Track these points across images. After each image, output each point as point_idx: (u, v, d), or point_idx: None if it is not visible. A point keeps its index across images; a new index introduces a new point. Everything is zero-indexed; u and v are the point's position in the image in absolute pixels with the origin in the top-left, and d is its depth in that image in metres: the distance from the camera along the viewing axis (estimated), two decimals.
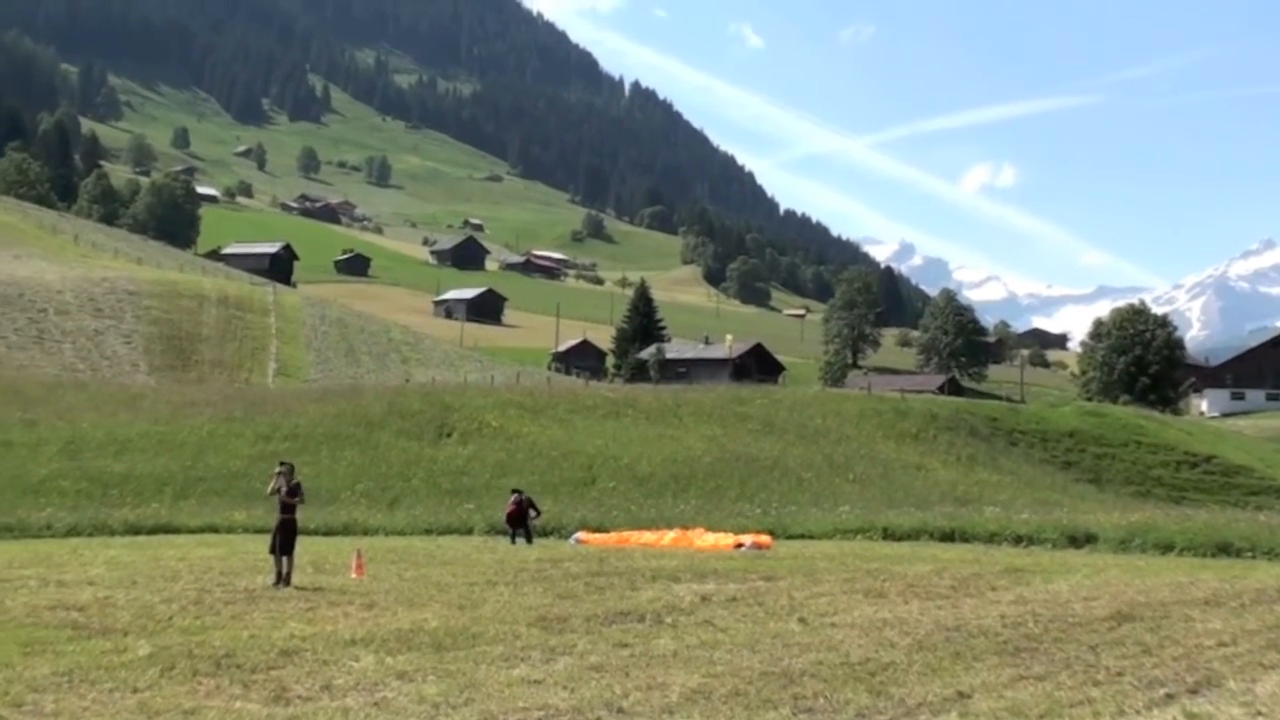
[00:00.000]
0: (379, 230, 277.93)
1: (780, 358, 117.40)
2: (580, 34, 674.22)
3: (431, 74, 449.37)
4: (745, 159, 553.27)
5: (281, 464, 17.52)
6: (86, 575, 17.18)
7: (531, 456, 42.08)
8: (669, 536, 25.76)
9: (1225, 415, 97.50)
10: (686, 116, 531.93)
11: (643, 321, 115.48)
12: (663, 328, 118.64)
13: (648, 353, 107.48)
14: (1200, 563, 22.04)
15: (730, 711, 8.69)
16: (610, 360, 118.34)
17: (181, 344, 72.20)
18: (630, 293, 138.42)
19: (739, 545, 23.72)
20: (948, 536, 27.67)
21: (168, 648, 10.91)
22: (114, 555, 20.91)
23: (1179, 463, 52.08)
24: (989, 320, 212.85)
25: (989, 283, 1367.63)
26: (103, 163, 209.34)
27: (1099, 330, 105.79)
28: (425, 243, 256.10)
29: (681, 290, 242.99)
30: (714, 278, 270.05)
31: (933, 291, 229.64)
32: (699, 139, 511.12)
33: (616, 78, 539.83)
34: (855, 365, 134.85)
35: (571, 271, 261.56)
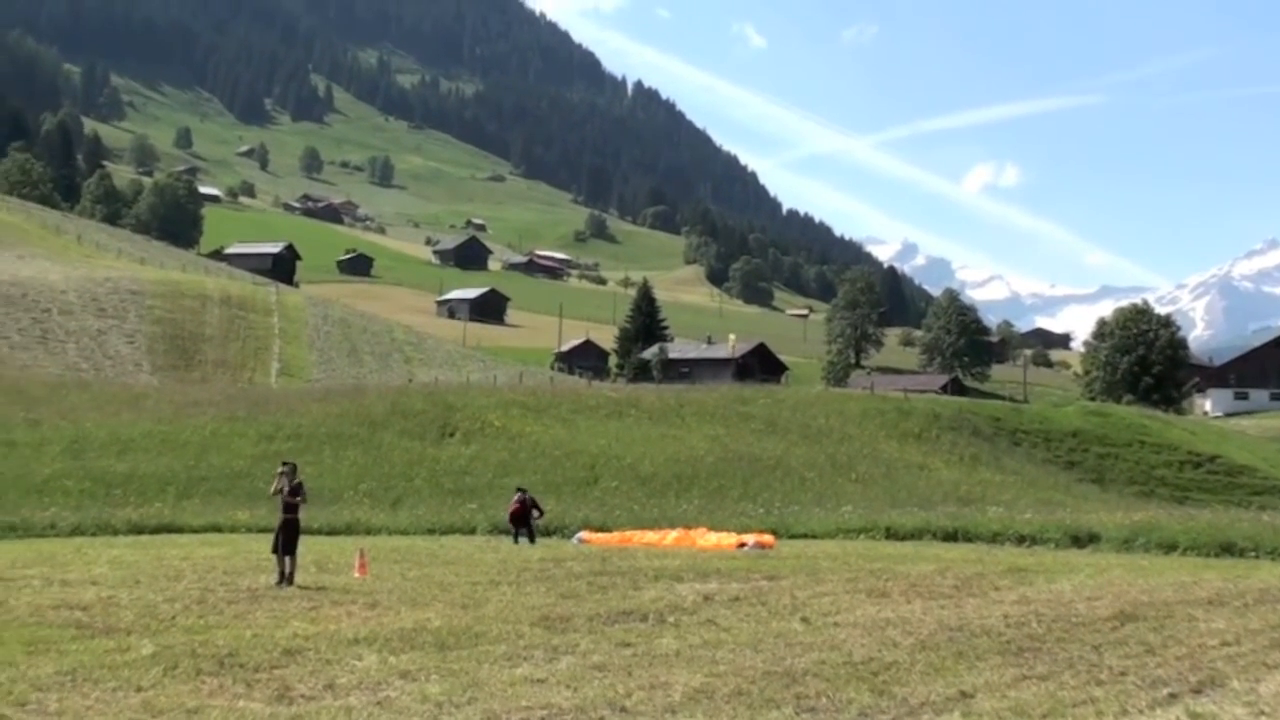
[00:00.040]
0: (381, 230, 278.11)
1: (783, 358, 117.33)
2: (583, 34, 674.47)
3: (434, 74, 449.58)
4: (748, 159, 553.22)
5: (284, 464, 17.54)
6: (90, 575, 17.21)
7: (534, 456, 42.09)
8: (672, 536, 25.75)
9: (1229, 415, 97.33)
10: (689, 116, 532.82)
11: (645, 321, 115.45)
12: (665, 328, 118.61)
13: (650, 353, 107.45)
14: (1204, 563, 22.00)
15: (733, 711, 8.69)
16: (613, 360, 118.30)
17: (184, 344, 72.27)
18: (633, 293, 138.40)
19: (742, 545, 23.70)
20: (951, 536, 27.64)
21: (171, 647, 10.93)
22: (117, 555, 20.94)
23: (1182, 463, 52.01)
24: (992, 320, 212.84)
25: (992, 282, 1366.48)
26: (105, 163, 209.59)
27: (1102, 330, 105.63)
28: (428, 243, 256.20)
29: (684, 290, 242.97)
30: (717, 278, 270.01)
31: (936, 291, 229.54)
32: (702, 139, 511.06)
33: (619, 77, 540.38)
34: (858, 365, 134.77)
35: (574, 271, 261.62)
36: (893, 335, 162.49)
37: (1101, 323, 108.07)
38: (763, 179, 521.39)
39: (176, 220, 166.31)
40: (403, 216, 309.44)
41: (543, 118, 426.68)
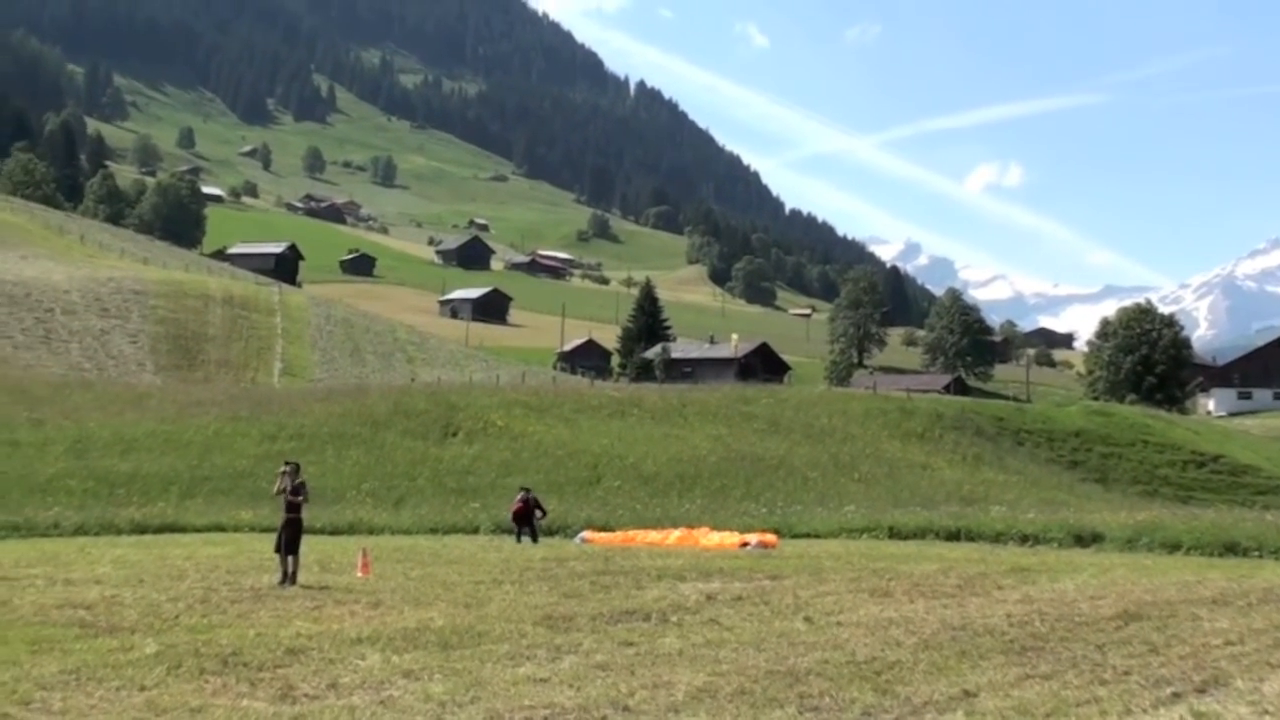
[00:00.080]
0: (384, 230, 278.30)
1: (786, 357, 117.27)
2: (585, 34, 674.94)
3: (437, 74, 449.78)
4: (751, 158, 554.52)
5: (286, 463, 17.56)
6: (93, 574, 17.23)
7: (537, 456, 42.09)
8: (674, 536, 25.74)
9: (1232, 415, 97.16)
10: (692, 116, 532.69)
11: (648, 321, 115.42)
12: (668, 327, 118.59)
13: (653, 352, 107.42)
14: (1207, 562, 21.98)
15: (736, 710, 8.68)
16: (615, 360, 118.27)
17: (187, 344, 72.35)
18: (635, 292, 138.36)
19: (744, 544, 23.70)
20: (954, 536, 27.63)
21: (174, 646, 10.94)
22: (121, 554, 20.96)
23: (1186, 462, 51.93)
24: (995, 320, 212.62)
25: (995, 282, 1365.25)
26: (108, 163, 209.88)
27: (1105, 330, 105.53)
28: (430, 243, 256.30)
29: (687, 290, 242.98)
30: (719, 277, 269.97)
31: (938, 291, 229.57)
32: (704, 139, 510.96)
33: (622, 77, 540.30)
34: (861, 365, 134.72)
35: (577, 271, 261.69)
36: (895, 335, 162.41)
37: (1105, 322, 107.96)
38: (765, 179, 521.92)
39: (179, 220, 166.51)
40: (405, 216, 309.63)
41: (545, 118, 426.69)
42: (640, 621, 12.92)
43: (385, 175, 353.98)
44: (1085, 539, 26.06)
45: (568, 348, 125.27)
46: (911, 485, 40.27)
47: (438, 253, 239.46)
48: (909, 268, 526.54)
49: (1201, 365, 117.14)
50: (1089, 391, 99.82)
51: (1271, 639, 11.98)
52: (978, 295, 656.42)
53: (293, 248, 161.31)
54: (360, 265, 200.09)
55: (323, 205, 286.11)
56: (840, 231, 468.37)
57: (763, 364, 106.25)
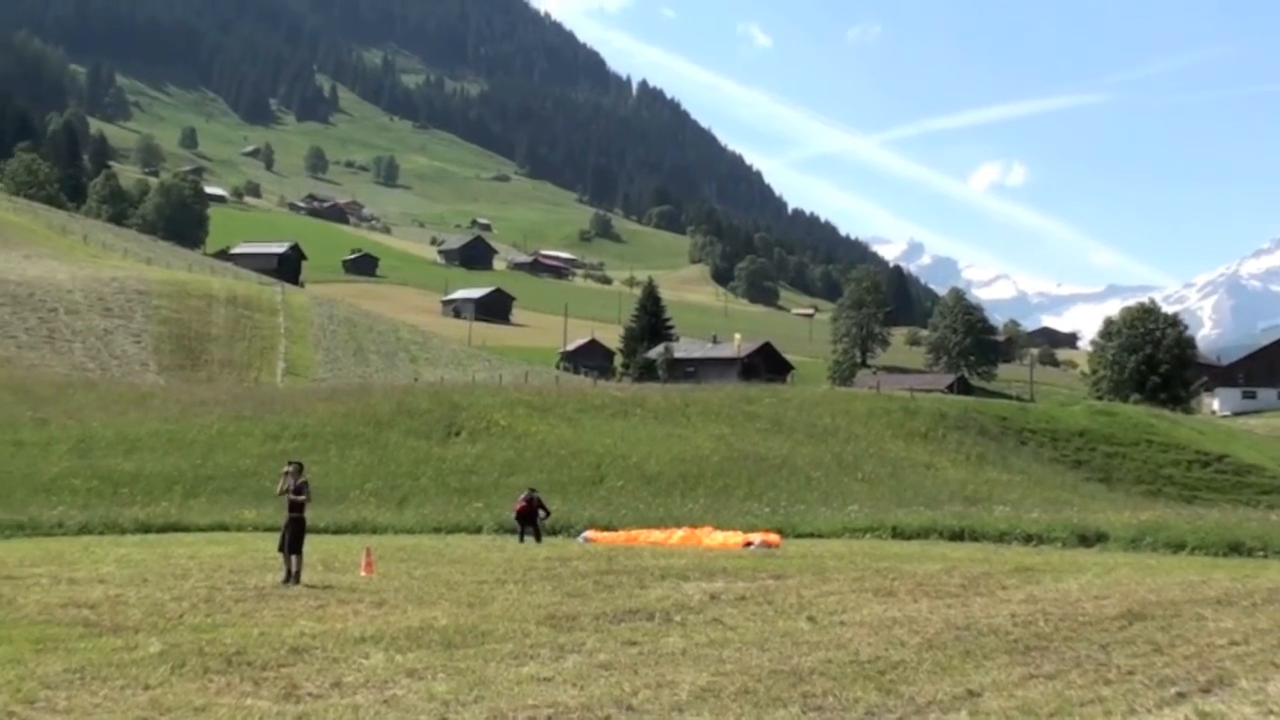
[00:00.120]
0: (387, 230, 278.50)
1: (789, 357, 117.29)
2: (588, 33, 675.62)
3: (439, 74, 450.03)
4: (753, 158, 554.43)
5: (290, 463, 17.57)
6: (97, 573, 17.25)
7: (540, 455, 42.10)
8: (677, 535, 25.74)
9: (1237, 414, 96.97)
10: (694, 116, 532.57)
11: (651, 321, 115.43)
12: (671, 327, 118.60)
13: (656, 352, 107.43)
14: (1212, 562, 21.95)
15: (739, 709, 8.68)
16: (618, 359, 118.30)
17: (191, 343, 72.44)
18: (638, 292, 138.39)
19: (748, 544, 23.68)
20: (957, 535, 27.60)
21: (178, 645, 10.95)
22: (125, 553, 20.98)
23: (1190, 462, 51.85)
24: (998, 319, 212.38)
25: (998, 281, 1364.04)
26: (111, 163, 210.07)
27: (1109, 329, 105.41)
28: (433, 242, 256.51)
29: (689, 290, 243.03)
30: (722, 277, 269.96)
31: (942, 290, 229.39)
32: (707, 138, 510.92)
33: (624, 77, 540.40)
34: (864, 364, 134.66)
35: (579, 271, 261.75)
36: (899, 334, 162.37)
37: (1108, 322, 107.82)
38: (768, 178, 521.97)
39: (182, 220, 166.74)
40: (408, 216, 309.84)
41: (547, 117, 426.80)
42: (644, 621, 12.92)
43: (388, 175, 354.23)
44: (1089, 539, 26.03)
45: (570, 347, 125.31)
46: (915, 485, 40.24)
47: (440, 253, 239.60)
48: (912, 267, 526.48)
49: (1206, 365, 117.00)
50: (1093, 391, 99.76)
51: (1276, 639, 11.96)
52: (981, 295, 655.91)
53: (295, 248, 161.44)
54: (363, 265, 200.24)
55: (325, 205, 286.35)
56: (843, 231, 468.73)
57: (766, 364, 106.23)
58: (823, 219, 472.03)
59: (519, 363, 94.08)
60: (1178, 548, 24.43)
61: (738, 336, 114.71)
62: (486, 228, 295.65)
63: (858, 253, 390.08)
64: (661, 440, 44.79)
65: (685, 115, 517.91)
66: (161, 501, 33.28)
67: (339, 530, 29.29)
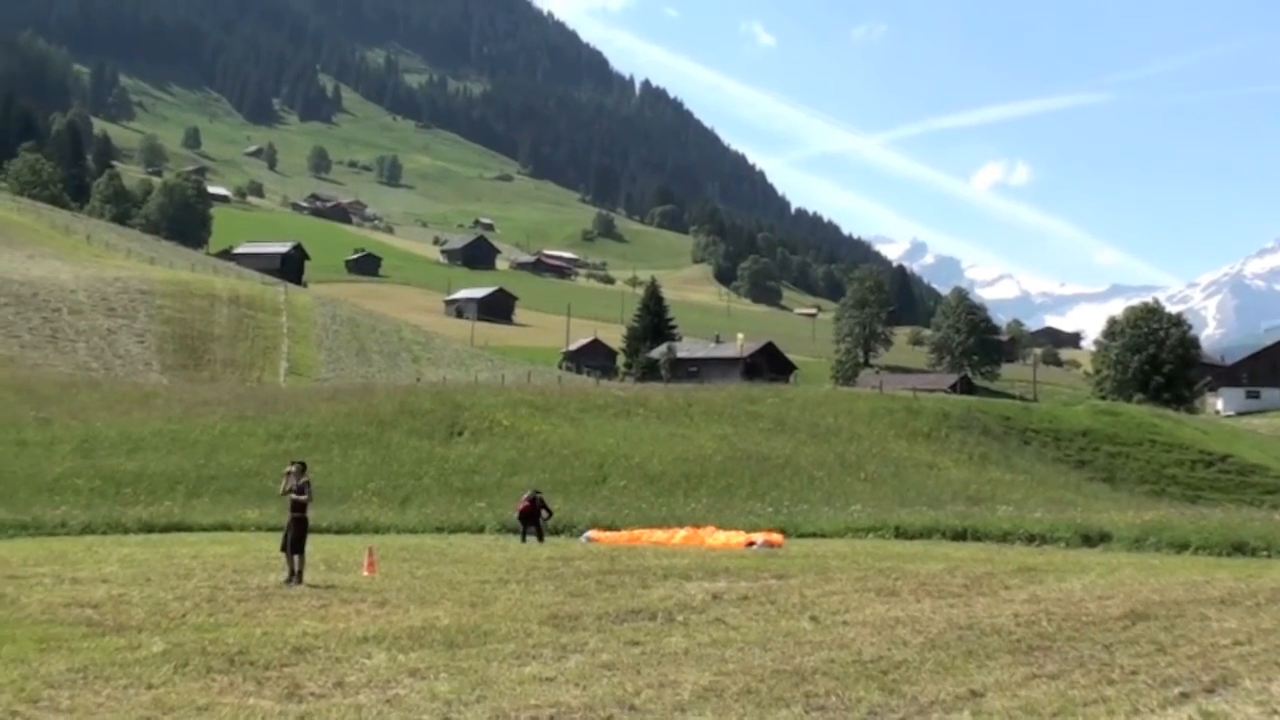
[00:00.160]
0: (389, 230, 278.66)
1: (792, 357, 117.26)
2: (590, 33, 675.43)
3: (442, 74, 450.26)
4: (756, 158, 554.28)
5: (293, 463, 17.59)
6: (100, 573, 17.27)
7: (542, 455, 42.10)
8: (680, 535, 25.73)
9: (1241, 414, 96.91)
10: (697, 115, 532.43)
11: (653, 321, 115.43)
12: (673, 327, 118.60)
13: (658, 352, 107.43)
14: (1215, 562, 21.91)
15: (742, 709, 8.67)
16: (621, 359, 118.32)
17: (194, 343, 72.53)
18: (641, 292, 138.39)
19: (750, 544, 23.67)
20: (960, 535, 27.57)
21: (181, 645, 10.96)
22: (128, 553, 21.00)
23: (1194, 462, 51.74)
24: (1002, 319, 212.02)
25: (1001, 281, 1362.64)
26: (115, 163, 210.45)
27: (1113, 329, 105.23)
28: (436, 242, 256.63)
29: (692, 289, 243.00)
30: (725, 277, 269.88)
31: (945, 290, 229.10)
32: (710, 138, 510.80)
33: (627, 77, 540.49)
34: (867, 364, 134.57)
35: (582, 271, 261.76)
36: (901, 334, 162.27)
37: (1112, 321, 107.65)
38: (771, 178, 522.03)
39: (185, 220, 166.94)
40: (410, 216, 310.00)
41: (550, 117, 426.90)
42: (646, 621, 12.91)
43: (390, 175, 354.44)
44: (1092, 538, 25.99)
45: (573, 347, 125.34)
46: (918, 485, 40.20)
47: (443, 252, 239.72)
48: (915, 267, 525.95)
49: (1209, 364, 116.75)
50: (1096, 391, 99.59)
51: None
52: (984, 294, 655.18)
53: (298, 247, 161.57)
54: (366, 265, 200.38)
55: (328, 205, 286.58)
56: (846, 230, 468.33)
57: (768, 363, 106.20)
58: (826, 218, 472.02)
59: (521, 362, 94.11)
60: (1181, 548, 24.39)
61: (740, 336, 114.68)
62: (489, 227, 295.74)
63: (861, 252, 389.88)
64: (664, 440, 44.78)
65: (688, 115, 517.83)
66: (164, 501, 33.31)
67: (341, 530, 29.30)
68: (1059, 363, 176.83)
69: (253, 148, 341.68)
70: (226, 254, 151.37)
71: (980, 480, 41.89)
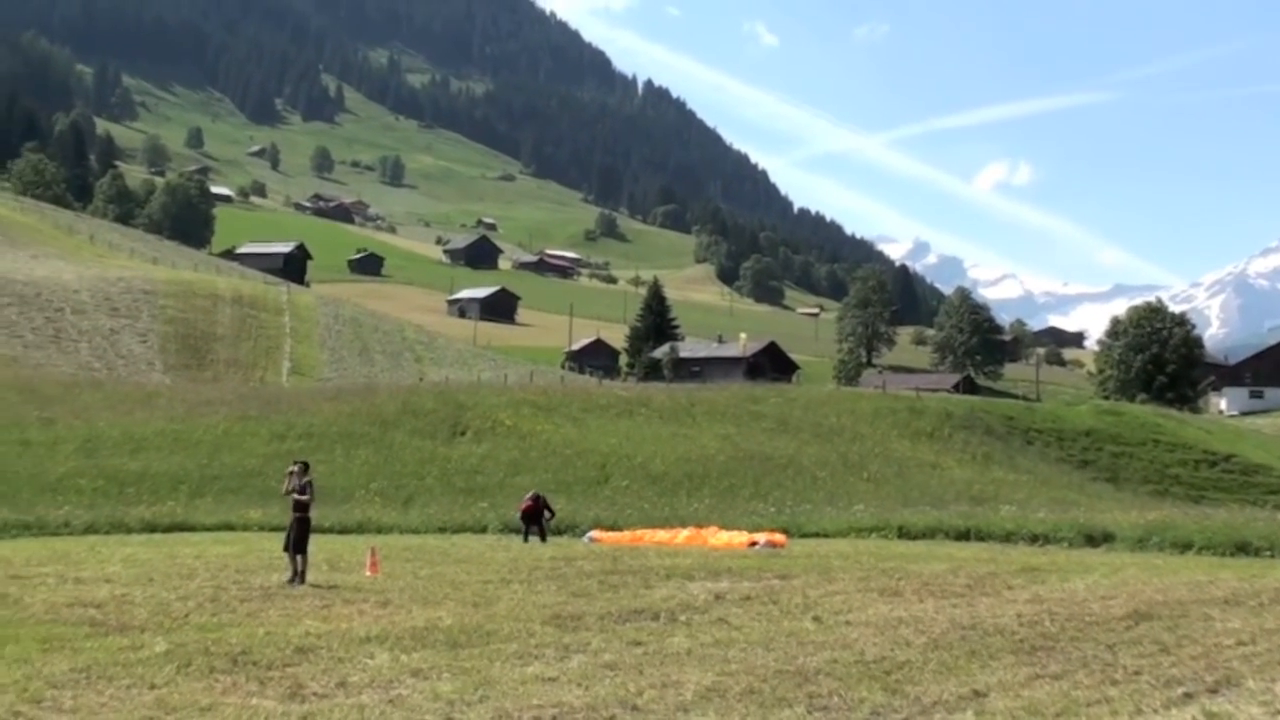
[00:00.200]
0: (392, 230, 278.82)
1: (794, 356, 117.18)
2: (593, 33, 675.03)
3: (444, 73, 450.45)
4: (759, 157, 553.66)
5: (295, 463, 17.61)
6: (104, 573, 17.29)
7: (545, 455, 42.11)
8: (683, 535, 25.72)
9: (1244, 414, 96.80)
10: (700, 115, 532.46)
11: (656, 320, 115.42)
12: (676, 326, 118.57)
13: (661, 351, 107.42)
14: (1219, 562, 21.87)
15: (745, 709, 8.66)
16: (623, 359, 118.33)
17: (197, 343, 72.61)
18: (643, 292, 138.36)
19: (753, 544, 23.66)
20: (963, 535, 27.54)
21: (184, 645, 10.97)
22: (131, 553, 21.03)
23: (1197, 461, 51.67)
24: (1004, 318, 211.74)
25: (1004, 281, 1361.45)
26: (118, 163, 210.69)
27: (1116, 328, 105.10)
28: (438, 242, 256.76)
29: (695, 289, 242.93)
30: (727, 276, 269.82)
31: (948, 290, 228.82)
32: (712, 137, 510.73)
33: (629, 76, 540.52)
34: (870, 364, 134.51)
35: (584, 270, 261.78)
36: (904, 334, 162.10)
37: (1115, 321, 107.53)
38: (773, 177, 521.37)
39: (188, 220, 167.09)
40: (413, 216, 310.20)
41: (553, 117, 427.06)
42: (649, 621, 12.91)
43: (393, 175, 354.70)
44: (1096, 538, 25.95)
45: (576, 347, 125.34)
46: (921, 484, 40.17)
47: (445, 252, 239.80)
48: (918, 266, 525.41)
49: (1213, 364, 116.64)
50: (1099, 391, 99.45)
51: None
52: (987, 294, 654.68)
53: (301, 247, 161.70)
54: (368, 265, 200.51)
55: (331, 205, 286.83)
56: (849, 230, 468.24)
57: (771, 363, 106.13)
58: (828, 218, 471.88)
59: (524, 362, 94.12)
60: (1185, 548, 24.35)
61: (743, 336, 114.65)
62: (492, 227, 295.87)
63: (863, 252, 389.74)
64: (667, 440, 44.78)
65: (691, 114, 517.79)
66: (167, 501, 33.35)
67: (344, 530, 29.32)
68: (1062, 362, 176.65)
69: (255, 148, 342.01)
70: (229, 254, 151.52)
71: (983, 480, 41.86)
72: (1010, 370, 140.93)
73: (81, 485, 35.12)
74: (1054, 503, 35.58)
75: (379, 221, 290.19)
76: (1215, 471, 51.01)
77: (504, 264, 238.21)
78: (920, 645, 11.28)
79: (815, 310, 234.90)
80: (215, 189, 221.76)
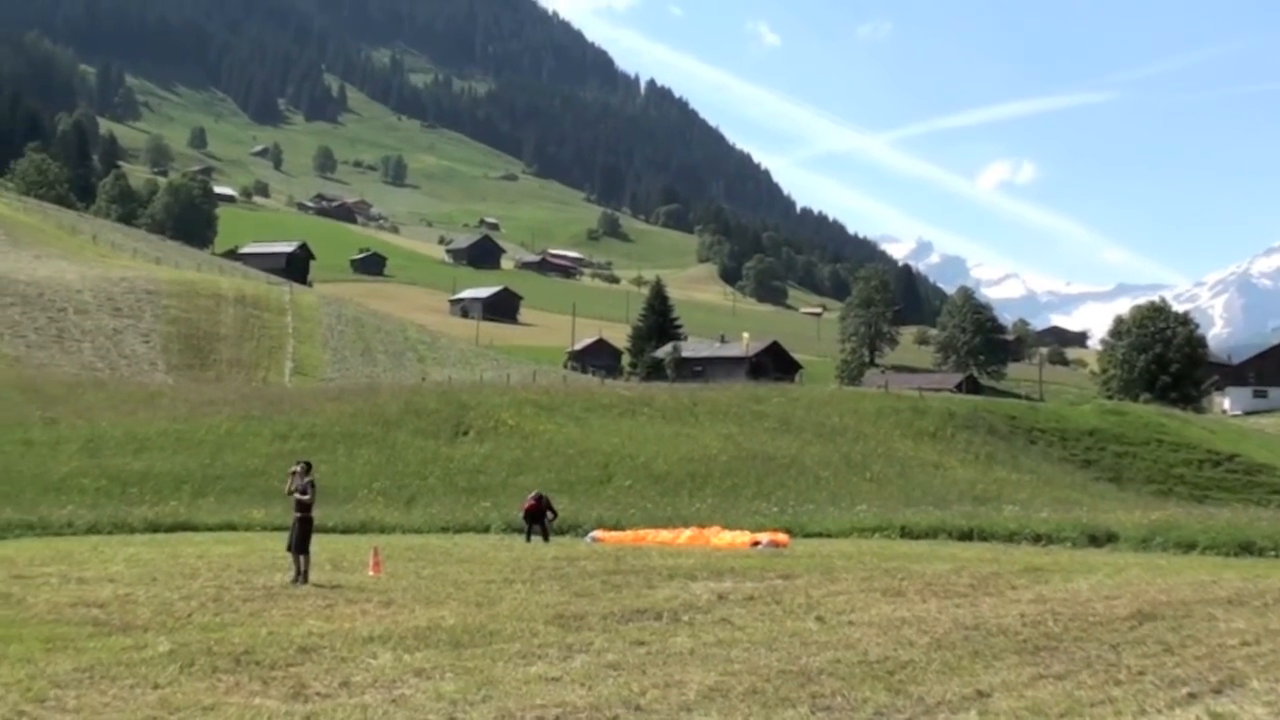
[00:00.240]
0: (395, 229, 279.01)
1: (797, 356, 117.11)
2: (595, 32, 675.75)
3: (447, 73, 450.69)
4: (761, 157, 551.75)
5: (298, 462, 17.63)
6: (107, 572, 17.31)
7: (548, 455, 42.11)
8: (685, 535, 25.71)
9: (1248, 413, 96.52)
10: (702, 114, 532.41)
11: (658, 320, 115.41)
12: (679, 326, 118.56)
13: (664, 351, 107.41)
14: (1223, 562, 21.83)
15: (748, 709, 8.65)
16: (626, 359, 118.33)
17: (199, 343, 72.69)
18: (646, 291, 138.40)
19: (756, 544, 23.65)
20: (966, 535, 27.51)
21: (187, 644, 10.97)
22: (134, 553, 21.05)
23: (1201, 461, 51.60)
24: (1007, 318, 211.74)
25: (1007, 280, 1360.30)
26: (121, 163, 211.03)
27: (1119, 328, 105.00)
28: (441, 242, 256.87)
29: (697, 289, 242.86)
30: (730, 276, 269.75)
31: (950, 289, 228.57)
32: (715, 137, 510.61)
33: (632, 76, 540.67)
34: (872, 363, 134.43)
35: (587, 270, 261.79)
36: (907, 334, 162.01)
37: (1118, 321, 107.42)
38: (776, 177, 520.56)
39: (191, 220, 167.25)
40: (416, 216, 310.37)
41: (555, 116, 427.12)
42: (652, 620, 12.90)
43: (396, 175, 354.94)
44: (1099, 538, 25.92)
45: (578, 347, 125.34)
46: (924, 484, 40.14)
47: (448, 252, 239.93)
48: (921, 266, 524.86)
49: (1216, 364, 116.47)
50: (1103, 390, 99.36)
51: None
52: (990, 294, 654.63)
53: (304, 247, 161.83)
54: (371, 264, 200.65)
55: (333, 205, 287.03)
56: (851, 230, 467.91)
57: (774, 363, 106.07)
58: (831, 218, 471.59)
59: (526, 362, 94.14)
60: (1188, 548, 24.31)
61: (746, 336, 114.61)
62: (494, 227, 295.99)
63: (866, 251, 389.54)
64: (669, 439, 44.77)
65: (693, 114, 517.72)
66: (170, 501, 33.39)
67: (347, 530, 29.33)
68: (1065, 362, 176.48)
69: (258, 148, 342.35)
70: (232, 254, 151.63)
71: (986, 480, 41.82)
72: (1013, 370, 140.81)
73: (84, 485, 35.17)
74: (1057, 503, 35.54)
75: (381, 221, 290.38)
76: (1219, 471, 50.94)
77: (506, 264, 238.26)
78: (923, 645, 11.26)
79: (818, 310, 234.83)
80: (218, 189, 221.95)
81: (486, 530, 30.07)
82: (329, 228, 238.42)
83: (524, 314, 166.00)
